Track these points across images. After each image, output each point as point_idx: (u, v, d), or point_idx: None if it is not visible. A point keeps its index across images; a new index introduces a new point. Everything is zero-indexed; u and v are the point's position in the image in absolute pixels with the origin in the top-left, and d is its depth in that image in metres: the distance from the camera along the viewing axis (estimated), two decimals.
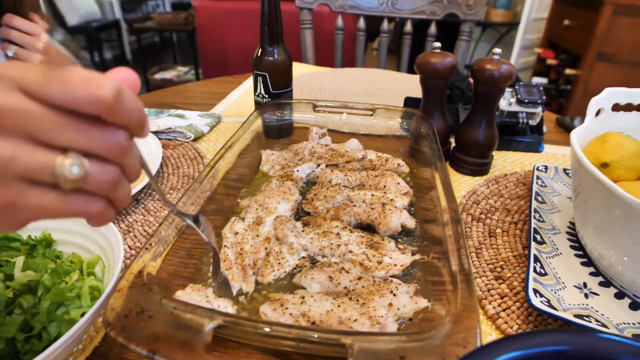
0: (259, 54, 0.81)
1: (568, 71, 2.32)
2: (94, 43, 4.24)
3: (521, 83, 0.89)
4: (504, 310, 0.49)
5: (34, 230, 0.52)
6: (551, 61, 2.53)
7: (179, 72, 3.43)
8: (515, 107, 0.88)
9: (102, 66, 4.16)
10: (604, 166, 0.56)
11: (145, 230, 0.62)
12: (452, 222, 0.49)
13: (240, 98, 1.11)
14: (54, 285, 0.44)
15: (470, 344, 0.34)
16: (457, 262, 0.43)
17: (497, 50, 0.72)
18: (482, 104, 0.74)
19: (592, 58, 2.14)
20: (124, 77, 0.30)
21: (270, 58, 0.80)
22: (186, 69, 3.49)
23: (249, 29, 2.56)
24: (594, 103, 0.62)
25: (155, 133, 0.85)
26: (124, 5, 4.62)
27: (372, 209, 0.57)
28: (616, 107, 0.64)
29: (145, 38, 4.43)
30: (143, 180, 0.67)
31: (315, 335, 0.33)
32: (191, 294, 0.41)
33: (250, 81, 1.25)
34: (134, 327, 0.34)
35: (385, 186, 0.63)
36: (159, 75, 3.37)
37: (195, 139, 0.87)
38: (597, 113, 0.63)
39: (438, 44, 0.75)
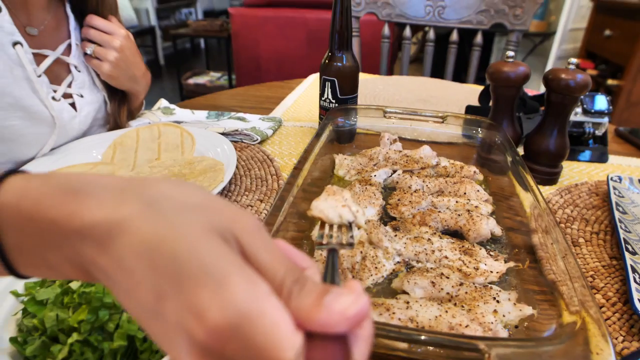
0: (327, 60, 0.82)
1: (610, 81, 2.28)
2: None
3: (587, 93, 0.88)
4: (604, 320, 0.49)
5: None
6: (591, 72, 2.49)
7: (211, 77, 3.49)
8: (581, 117, 0.87)
9: None
10: None
11: None
12: (550, 229, 0.48)
13: (297, 102, 1.13)
14: None
15: (604, 351, 0.34)
16: (564, 268, 0.43)
17: (573, 60, 0.72)
18: (555, 113, 0.74)
19: (637, 68, 2.11)
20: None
21: (339, 64, 0.81)
22: (218, 75, 3.54)
23: (283, 36, 2.59)
24: None
25: (223, 134, 0.86)
26: (159, 12, 4.75)
27: (459, 215, 0.57)
28: None
29: (177, 44, 4.54)
30: (223, 181, 0.68)
31: (454, 341, 0.33)
32: (327, 200, 0.40)
33: (303, 86, 1.27)
34: None
35: (465, 193, 0.63)
36: (192, 80, 3.44)
37: (260, 142, 0.88)
38: None
39: (511, 53, 0.75)
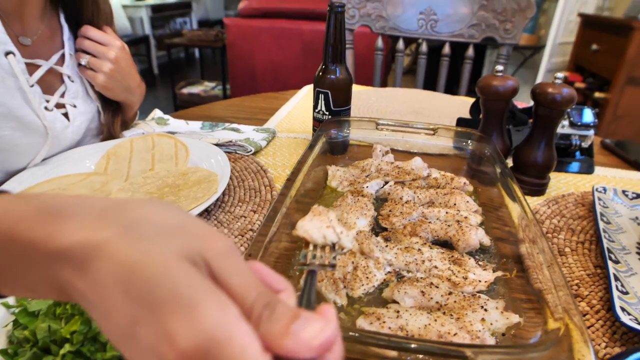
0: (321, 72, 0.84)
1: (597, 94, 2.33)
2: None
3: (574, 106, 0.90)
4: (588, 327, 0.50)
5: None
6: (579, 85, 2.55)
7: (205, 87, 3.50)
8: (568, 130, 0.89)
9: None
10: None
11: None
12: (537, 239, 0.50)
13: (291, 114, 1.14)
14: None
15: (584, 356, 0.35)
16: (549, 277, 0.45)
17: (560, 74, 0.74)
18: (542, 126, 0.76)
19: (622, 82, 2.16)
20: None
21: (332, 76, 0.83)
22: (213, 84, 3.56)
23: (279, 47, 2.62)
24: None
25: (217, 146, 0.87)
26: (154, 21, 4.77)
27: (449, 225, 0.58)
28: None
29: (172, 54, 4.56)
30: (217, 192, 0.69)
31: (442, 349, 0.34)
32: (312, 220, 0.41)
33: (297, 97, 1.28)
34: None
35: (455, 204, 0.64)
36: (186, 90, 3.45)
37: (254, 153, 0.90)
38: None
39: (500, 67, 0.77)
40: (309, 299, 0.28)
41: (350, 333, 0.35)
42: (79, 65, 0.82)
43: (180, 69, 5.06)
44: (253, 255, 0.46)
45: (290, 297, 0.27)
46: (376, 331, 0.41)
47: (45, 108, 0.76)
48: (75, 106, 0.82)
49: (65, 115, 0.81)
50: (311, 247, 0.39)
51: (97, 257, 0.23)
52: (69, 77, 0.81)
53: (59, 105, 0.80)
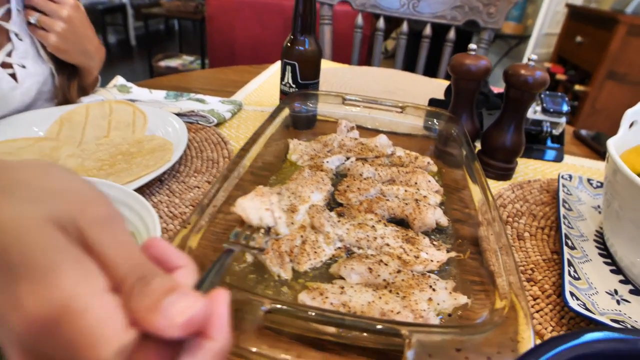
0: (289, 43, 0.80)
1: (577, 87, 2.34)
2: (98, 26, 4.19)
3: (547, 92, 0.89)
4: (537, 311, 0.49)
5: None
6: (560, 76, 2.55)
7: (184, 60, 3.41)
8: (540, 116, 0.88)
9: (107, 51, 4.12)
10: None
11: (170, 212, 0.61)
12: (492, 221, 0.48)
13: (261, 87, 1.10)
14: None
15: (524, 339, 0.34)
16: (501, 259, 0.43)
17: (533, 56, 0.72)
18: (512, 109, 0.74)
19: (603, 76, 2.16)
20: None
21: (301, 48, 0.79)
22: (192, 58, 3.46)
23: (260, 22, 2.55)
24: (629, 115, 0.62)
25: (178, 115, 0.83)
26: None
27: (406, 204, 0.56)
28: None
29: (150, 25, 4.41)
30: (170, 160, 0.66)
31: (374, 325, 0.32)
32: (253, 199, 0.39)
33: (269, 71, 1.24)
34: None
35: (416, 183, 0.62)
36: (163, 63, 3.35)
37: (217, 125, 0.86)
38: (630, 125, 0.63)
39: (474, 46, 0.75)
40: (212, 280, 0.26)
41: (279, 306, 0.33)
42: (29, 24, 0.77)
43: (159, 42, 4.89)
44: (190, 223, 0.43)
45: (188, 275, 0.25)
46: (307, 305, 0.39)
47: None
48: (24, 67, 0.77)
49: (14, 76, 0.76)
50: (245, 228, 0.38)
51: None
52: (16, 35, 0.76)
53: (6, 65, 0.75)
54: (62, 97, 0.87)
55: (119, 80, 1.02)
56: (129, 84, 1.01)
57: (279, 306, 0.33)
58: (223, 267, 0.28)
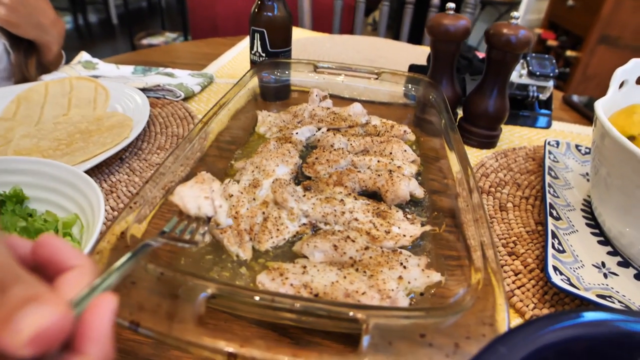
0: (257, 9, 0.74)
1: (569, 53, 2.27)
2: (77, 5, 4.04)
3: (533, 54, 0.84)
4: (518, 287, 0.46)
5: (2, 185, 0.47)
6: (551, 42, 2.48)
7: (167, 38, 3.30)
8: (525, 80, 0.83)
9: (87, 31, 3.99)
10: (630, 139, 0.52)
11: (129, 191, 0.57)
12: (469, 193, 0.44)
13: (235, 59, 1.05)
14: None
15: (497, 322, 0.30)
16: (476, 233, 0.39)
17: (516, 14, 0.67)
18: (495, 72, 0.70)
19: (595, 40, 2.10)
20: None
21: (269, 13, 0.74)
22: (175, 35, 3.35)
23: None
24: (619, 74, 0.57)
25: (143, 90, 0.78)
26: None
27: (379, 175, 0.52)
28: None
29: (132, 2, 4.25)
30: (128, 137, 0.61)
31: (325, 310, 0.28)
32: (192, 187, 0.36)
33: (244, 43, 1.18)
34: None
35: (391, 153, 0.58)
36: (146, 41, 3.24)
37: (186, 99, 0.81)
38: (621, 85, 0.59)
39: (452, 5, 0.69)
40: (109, 283, 0.22)
41: (221, 290, 0.29)
42: None
43: (142, 19, 4.73)
44: (138, 201, 0.39)
45: (81, 276, 0.21)
46: (256, 289, 0.35)
47: None
48: None
49: None
50: (185, 218, 0.35)
51: None
52: None
53: None
54: (20, 75, 0.81)
55: (84, 56, 0.96)
56: (95, 60, 0.95)
57: (220, 291, 0.29)
58: (126, 266, 0.24)
